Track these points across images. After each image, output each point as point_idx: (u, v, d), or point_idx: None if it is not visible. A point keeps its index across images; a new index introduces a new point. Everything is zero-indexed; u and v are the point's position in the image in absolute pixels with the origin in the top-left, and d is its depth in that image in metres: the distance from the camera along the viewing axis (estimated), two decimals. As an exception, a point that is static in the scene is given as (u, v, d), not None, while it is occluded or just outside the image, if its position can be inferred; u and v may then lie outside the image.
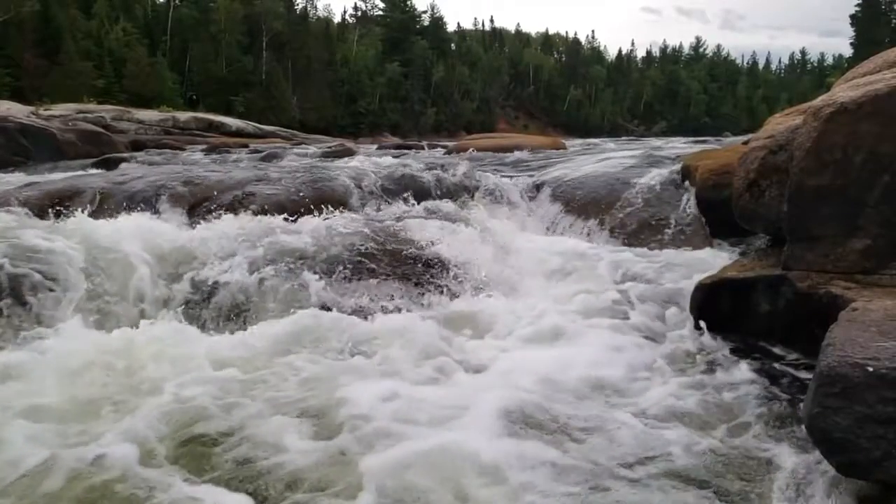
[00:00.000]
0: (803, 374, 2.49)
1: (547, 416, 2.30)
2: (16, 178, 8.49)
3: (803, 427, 1.81)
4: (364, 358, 2.86)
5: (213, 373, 2.64)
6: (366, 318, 3.37)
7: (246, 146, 18.49)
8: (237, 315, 3.45)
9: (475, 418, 2.25)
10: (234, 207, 4.92)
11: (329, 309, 3.44)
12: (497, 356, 2.90)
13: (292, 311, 3.36)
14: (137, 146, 17.51)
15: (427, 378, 2.66)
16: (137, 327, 3.06)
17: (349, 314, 3.39)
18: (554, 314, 3.42)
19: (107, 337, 2.95)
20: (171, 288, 3.61)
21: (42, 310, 3.16)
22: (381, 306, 3.53)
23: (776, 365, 2.63)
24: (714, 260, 4.14)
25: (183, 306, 3.49)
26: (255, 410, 2.32)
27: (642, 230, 5.04)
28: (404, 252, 4.05)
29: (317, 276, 3.68)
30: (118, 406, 2.34)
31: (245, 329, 3.24)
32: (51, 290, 3.22)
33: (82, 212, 4.30)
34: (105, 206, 4.93)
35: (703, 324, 2.98)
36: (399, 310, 3.55)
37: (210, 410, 2.31)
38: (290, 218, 4.65)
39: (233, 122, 26.80)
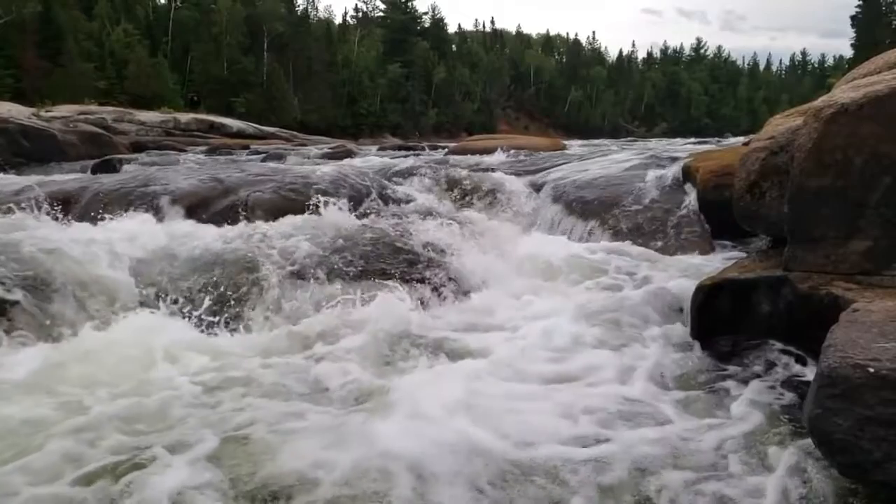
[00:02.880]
0: (804, 376, 2.49)
1: (536, 467, 1.98)
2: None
3: (805, 428, 1.80)
4: (329, 378, 2.63)
5: (157, 387, 2.51)
6: (342, 329, 3.15)
7: (247, 147, 18.57)
8: (207, 323, 3.26)
9: (432, 482, 1.84)
10: (218, 212, 4.89)
11: (306, 314, 3.34)
12: (483, 382, 2.56)
13: (260, 315, 3.30)
14: (138, 147, 17.58)
15: (391, 409, 2.29)
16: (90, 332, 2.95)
17: (324, 325, 3.20)
18: (549, 323, 3.33)
19: (56, 347, 2.81)
20: (138, 291, 3.39)
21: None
22: (366, 313, 3.27)
23: (777, 366, 2.63)
24: (715, 261, 4.14)
25: (144, 310, 3.24)
26: (173, 438, 2.10)
27: (643, 231, 5.04)
28: (397, 256, 3.97)
29: (296, 283, 3.56)
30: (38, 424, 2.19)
31: (206, 334, 3.16)
32: (25, 292, 3.07)
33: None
34: (82, 209, 4.81)
35: (702, 325, 2.98)
36: (385, 318, 3.24)
37: (139, 427, 2.18)
38: (273, 220, 4.51)
39: (234, 123, 26.87)
